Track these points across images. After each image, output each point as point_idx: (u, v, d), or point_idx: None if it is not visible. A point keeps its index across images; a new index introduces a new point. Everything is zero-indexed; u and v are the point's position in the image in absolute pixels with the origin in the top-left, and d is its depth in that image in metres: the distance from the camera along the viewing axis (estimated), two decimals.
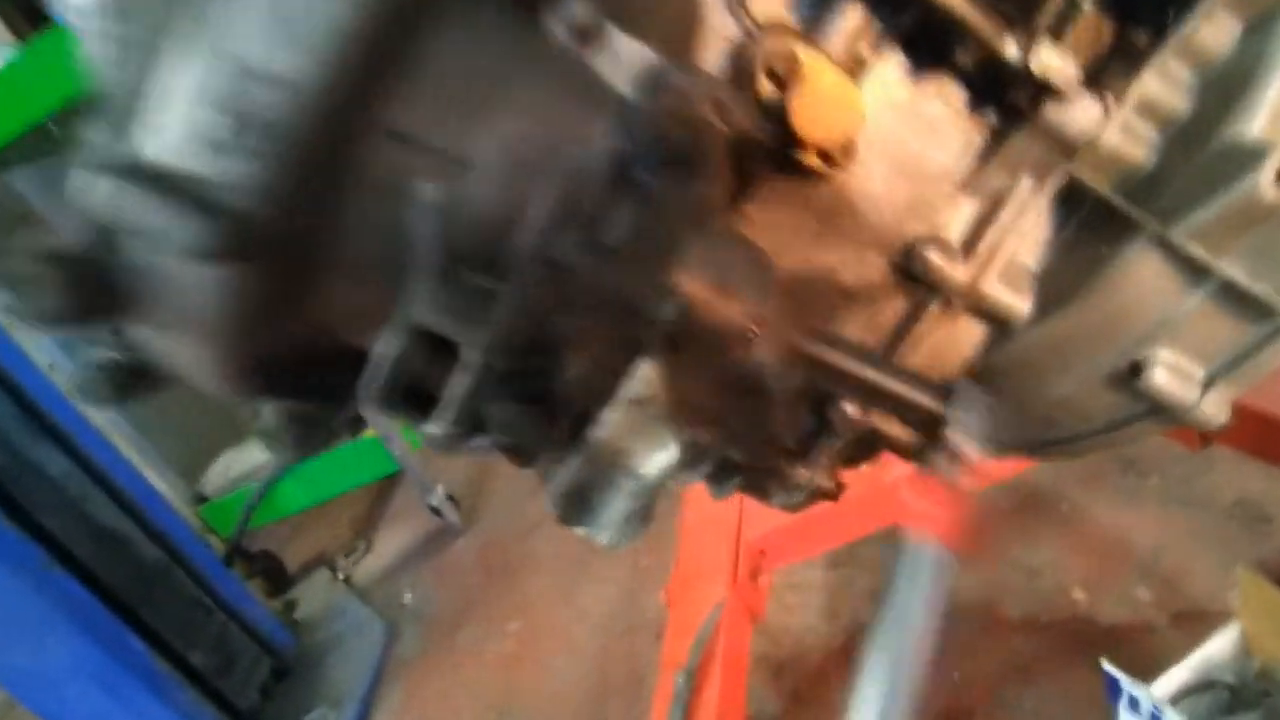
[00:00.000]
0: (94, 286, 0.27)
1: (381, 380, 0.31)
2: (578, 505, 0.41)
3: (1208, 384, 0.48)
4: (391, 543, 2.39)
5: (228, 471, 2.30)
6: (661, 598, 1.24)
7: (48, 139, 2.20)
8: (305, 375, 0.36)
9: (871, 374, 0.40)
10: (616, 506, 0.40)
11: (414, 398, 0.32)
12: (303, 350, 0.34)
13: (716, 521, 1.27)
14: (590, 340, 0.35)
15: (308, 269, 0.30)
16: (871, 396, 0.42)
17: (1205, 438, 1.13)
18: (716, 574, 1.18)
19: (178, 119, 0.27)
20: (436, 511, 2.21)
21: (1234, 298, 0.44)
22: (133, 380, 0.34)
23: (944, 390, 0.43)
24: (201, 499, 2.30)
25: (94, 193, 0.26)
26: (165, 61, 0.27)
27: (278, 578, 2.29)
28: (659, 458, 0.38)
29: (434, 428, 0.32)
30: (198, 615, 1.79)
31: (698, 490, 1.38)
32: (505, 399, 0.34)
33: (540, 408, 0.36)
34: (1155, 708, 0.82)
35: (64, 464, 1.63)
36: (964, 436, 0.46)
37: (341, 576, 2.30)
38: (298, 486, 2.19)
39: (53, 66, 1.94)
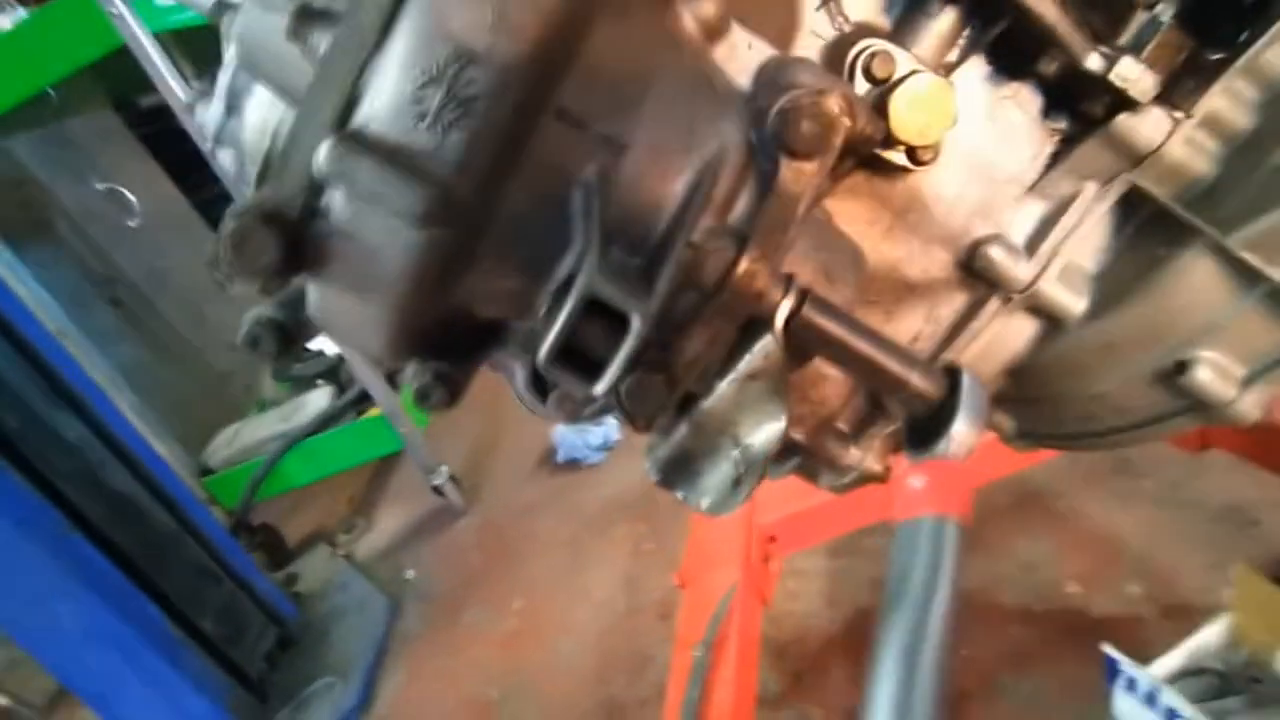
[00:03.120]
0: (301, 244, 0.30)
1: (556, 339, 0.34)
2: (681, 471, 0.44)
3: (1246, 383, 0.52)
4: (391, 521, 2.41)
5: (231, 445, 2.30)
6: (674, 579, 1.28)
7: (48, 106, 2.18)
8: (449, 339, 0.39)
9: (871, 351, 0.41)
10: (719, 474, 0.43)
11: (575, 360, 0.35)
12: (452, 316, 0.36)
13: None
14: (713, 317, 0.38)
15: (480, 238, 0.33)
16: (868, 374, 0.43)
17: (1204, 442, 1.18)
18: (729, 558, 1.22)
19: (390, 90, 0.29)
20: (439, 491, 2.22)
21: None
22: (291, 338, 0.37)
23: (946, 375, 0.43)
24: (205, 471, 2.30)
25: (318, 154, 0.28)
26: (382, 35, 0.29)
27: (277, 552, 2.30)
28: (768, 429, 0.41)
29: (600, 388, 0.34)
30: (207, 584, 1.80)
31: None
32: (636, 367, 0.37)
33: (662, 377, 0.39)
34: (1153, 688, 0.86)
35: (80, 430, 1.64)
36: (965, 423, 0.46)
37: (342, 553, 2.31)
38: (301, 462, 2.19)
39: (57, 34, 1.93)
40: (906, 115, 0.44)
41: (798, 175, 0.36)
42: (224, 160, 0.53)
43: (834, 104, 0.36)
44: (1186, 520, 1.33)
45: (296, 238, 0.30)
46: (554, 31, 0.30)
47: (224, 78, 0.48)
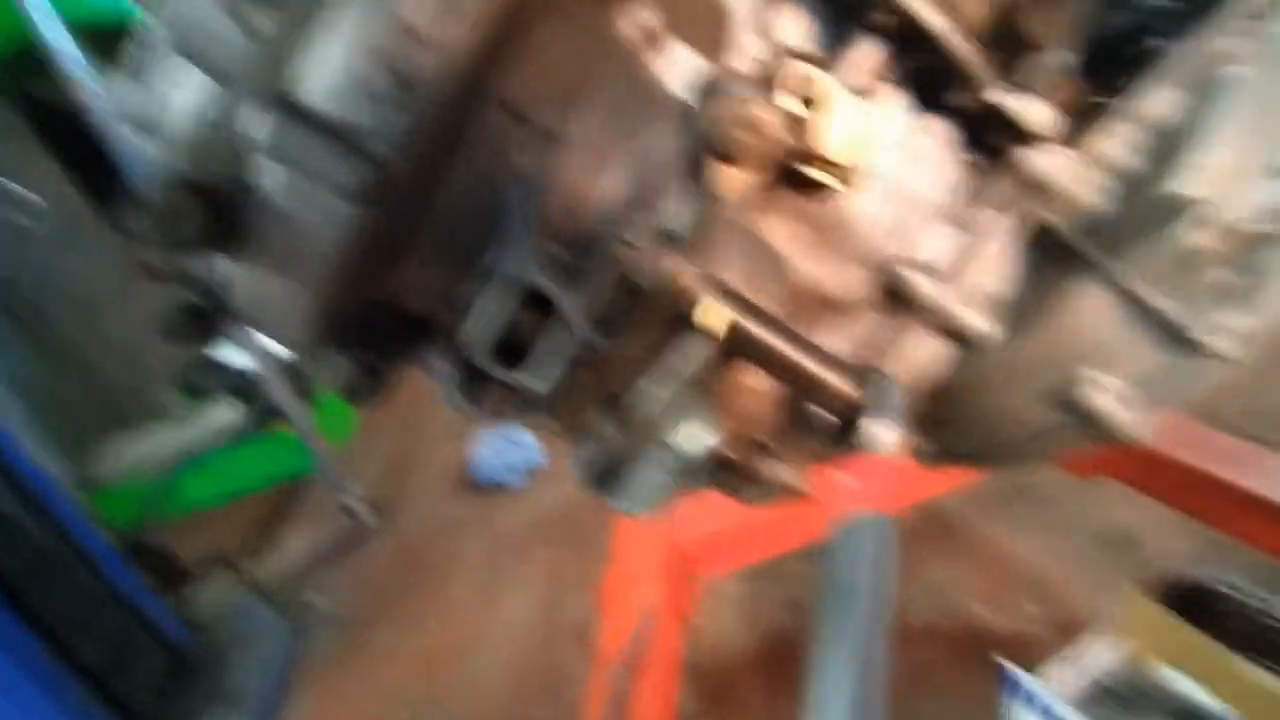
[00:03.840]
0: (228, 218, 0.29)
1: (492, 329, 0.33)
2: (608, 473, 0.44)
3: (1134, 404, 0.56)
4: (299, 544, 2.30)
5: (123, 457, 2.16)
6: (595, 599, 1.27)
7: None
8: (376, 330, 0.38)
9: (789, 351, 0.42)
10: (646, 477, 0.43)
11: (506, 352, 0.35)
12: (380, 305, 0.36)
13: (649, 527, 1.30)
14: (641, 314, 0.39)
15: (414, 222, 0.33)
16: (790, 376, 0.44)
17: (1094, 469, 1.26)
18: (649, 577, 1.22)
19: (336, 68, 0.29)
20: (350, 512, 2.14)
21: (1163, 329, 0.52)
22: (208, 326, 0.35)
23: (861, 375, 0.45)
24: (88, 484, 2.15)
25: (258, 126, 0.27)
26: (328, 14, 0.29)
27: (169, 576, 2.16)
28: (695, 432, 0.42)
29: (535, 382, 0.34)
30: (92, 608, 1.67)
31: None
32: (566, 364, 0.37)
33: (591, 374, 0.39)
34: (1048, 702, 0.91)
35: None
36: (880, 422, 0.47)
37: (244, 578, 2.19)
38: (202, 481, 2.08)
39: None
40: (831, 135, 0.46)
41: (728, 180, 0.38)
42: (140, 146, 0.51)
43: (766, 115, 0.37)
44: (1077, 543, 1.41)
45: (223, 211, 0.29)
46: (499, 21, 0.31)
47: (148, 59, 0.46)
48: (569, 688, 1.51)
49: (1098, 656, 1.01)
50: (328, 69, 0.29)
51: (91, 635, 1.64)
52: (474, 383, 0.42)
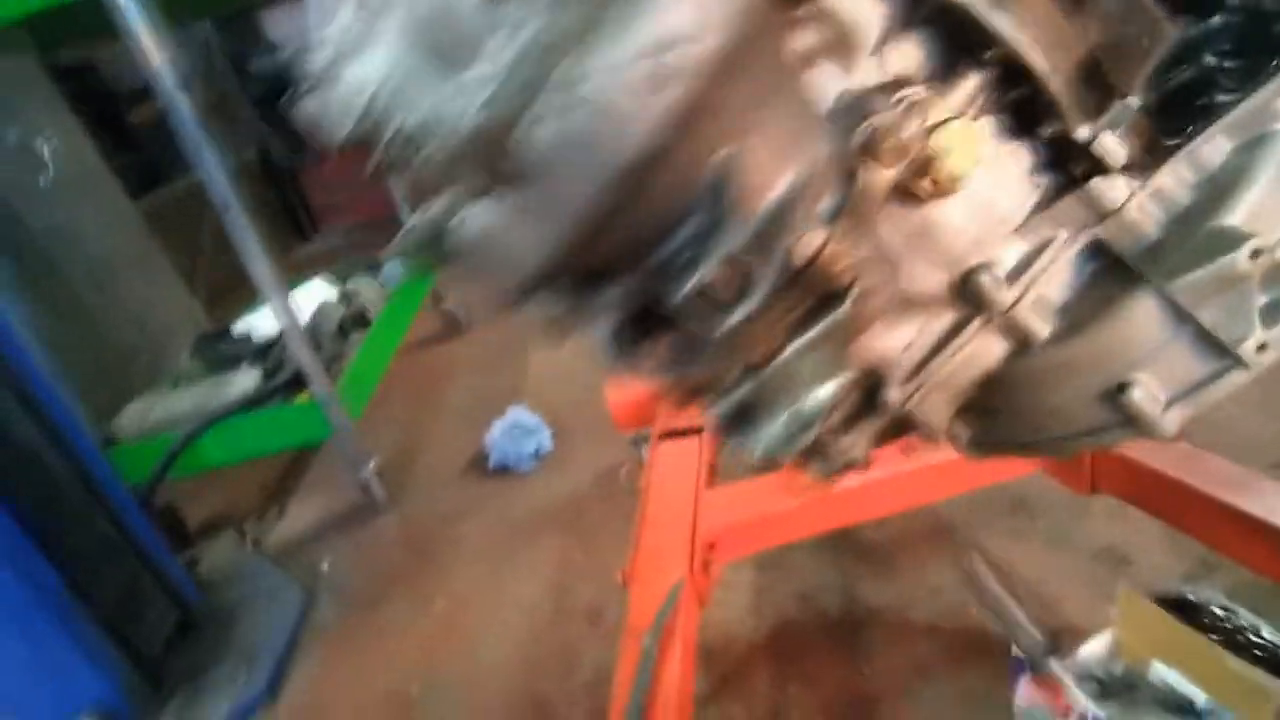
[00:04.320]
0: (505, 163, 0.35)
1: (692, 288, 0.40)
2: (740, 421, 0.52)
3: (1169, 405, 0.64)
4: (306, 513, 2.34)
5: (144, 418, 2.19)
6: (617, 577, 1.33)
7: None
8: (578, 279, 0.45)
9: None
10: (774, 428, 0.50)
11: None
12: (595, 258, 0.42)
13: (674, 515, 1.37)
14: (797, 289, 0.46)
15: (651, 191, 0.40)
16: None
17: (1094, 485, 1.35)
18: (674, 560, 1.29)
19: (609, 54, 0.35)
20: (364, 485, 2.19)
21: (1203, 340, 0.60)
22: (444, 251, 0.42)
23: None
24: (109, 442, 2.18)
25: (549, 92, 0.34)
26: (605, 30, 0.36)
27: (176, 535, 2.20)
28: (823, 391, 0.49)
29: (739, 314, 0.41)
30: (108, 554, 1.71)
31: (659, 484, 1.49)
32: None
33: (747, 336, 0.46)
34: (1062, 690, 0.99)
35: None
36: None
37: (250, 540, 2.23)
38: (219, 442, 2.11)
39: None
40: (943, 151, 0.54)
41: (877, 180, 0.45)
42: (309, 106, 0.58)
43: (914, 125, 0.45)
44: (1071, 557, 1.50)
45: (504, 158, 0.36)
46: (742, 33, 0.38)
47: (344, 21, 0.53)
48: (581, 668, 1.57)
49: (1092, 651, 1.10)
50: (601, 54, 0.36)
51: (107, 581, 1.68)
52: (637, 337, 0.49)
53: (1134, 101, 0.58)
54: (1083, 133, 0.57)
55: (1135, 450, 1.27)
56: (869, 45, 0.55)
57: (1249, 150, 0.58)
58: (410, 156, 0.46)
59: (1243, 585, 1.16)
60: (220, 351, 2.45)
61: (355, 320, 2.50)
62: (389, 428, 2.55)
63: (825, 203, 0.46)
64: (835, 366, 0.49)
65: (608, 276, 0.46)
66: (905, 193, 0.59)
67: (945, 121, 0.54)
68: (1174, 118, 0.58)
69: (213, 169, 1.78)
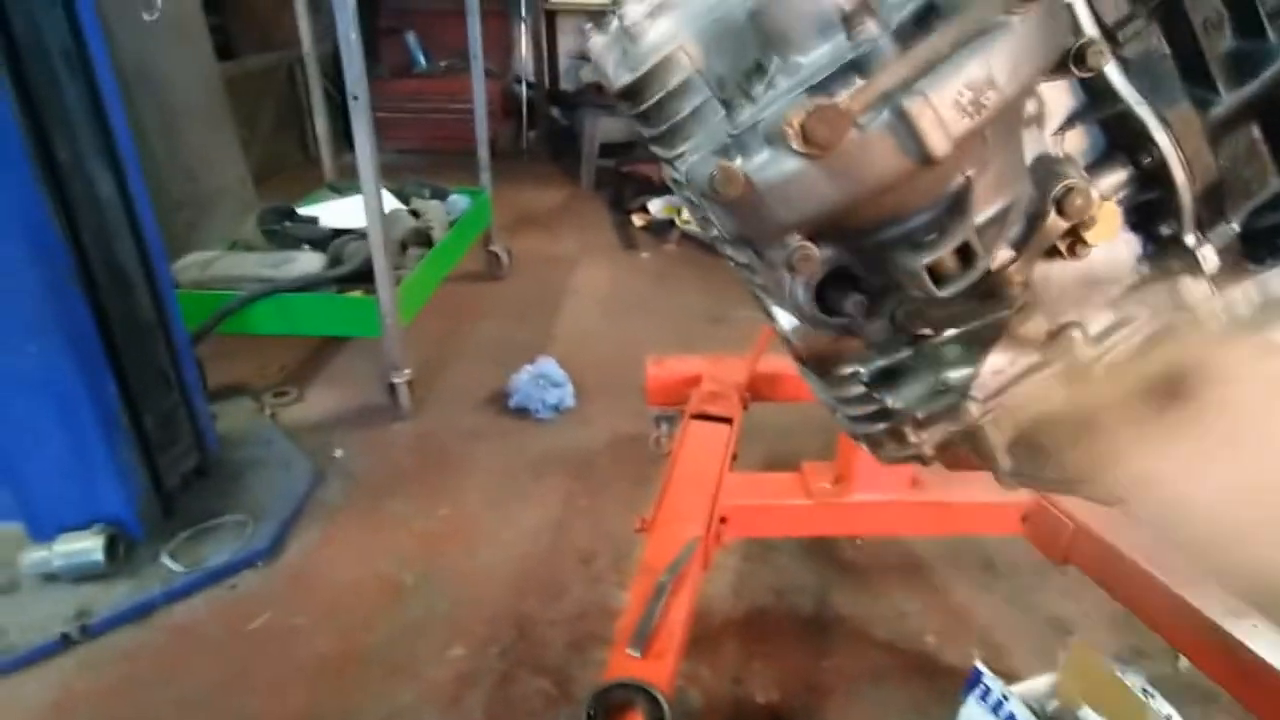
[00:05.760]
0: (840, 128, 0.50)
1: (929, 261, 0.55)
2: (887, 379, 0.66)
3: None
4: (324, 401, 2.44)
5: (204, 269, 2.28)
6: (636, 524, 1.46)
7: None
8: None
9: None
10: (915, 389, 0.65)
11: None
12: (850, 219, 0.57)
13: (698, 484, 1.52)
14: (974, 291, 0.61)
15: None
16: None
17: (1067, 557, 1.51)
18: (692, 520, 1.43)
19: (945, 82, 0.50)
20: (392, 389, 2.30)
21: None
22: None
23: None
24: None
25: (898, 93, 0.48)
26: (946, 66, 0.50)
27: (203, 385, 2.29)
28: (965, 370, 0.64)
29: (969, 278, 0.56)
30: (161, 385, 1.81)
31: (687, 456, 1.63)
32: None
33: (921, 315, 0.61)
34: (1000, 697, 1.15)
35: (111, 189, 1.64)
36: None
37: (268, 413, 2.33)
38: (270, 312, 2.21)
39: None
40: (1091, 222, 0.69)
41: (1056, 224, 0.61)
42: (597, 45, 0.72)
43: (1094, 194, 0.60)
44: (1024, 616, 1.67)
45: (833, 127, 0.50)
46: (1022, 90, 0.52)
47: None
48: (567, 598, 1.70)
49: (1032, 688, 1.26)
50: (939, 78, 0.50)
51: (152, 406, 1.78)
52: (840, 297, 0.63)
53: (1235, 227, 0.74)
54: (1190, 240, 0.72)
55: (1112, 534, 1.43)
56: (1056, 125, 0.70)
57: None
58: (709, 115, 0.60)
59: (1164, 678, 1.33)
60: (285, 229, 2.55)
61: (418, 236, 2.61)
62: (419, 347, 2.66)
63: (1014, 230, 0.61)
64: (969, 360, 0.64)
65: (839, 239, 0.60)
66: (1053, 248, 0.74)
67: (1103, 202, 0.69)
68: (1258, 249, 0.74)
69: (355, 57, 1.89)
